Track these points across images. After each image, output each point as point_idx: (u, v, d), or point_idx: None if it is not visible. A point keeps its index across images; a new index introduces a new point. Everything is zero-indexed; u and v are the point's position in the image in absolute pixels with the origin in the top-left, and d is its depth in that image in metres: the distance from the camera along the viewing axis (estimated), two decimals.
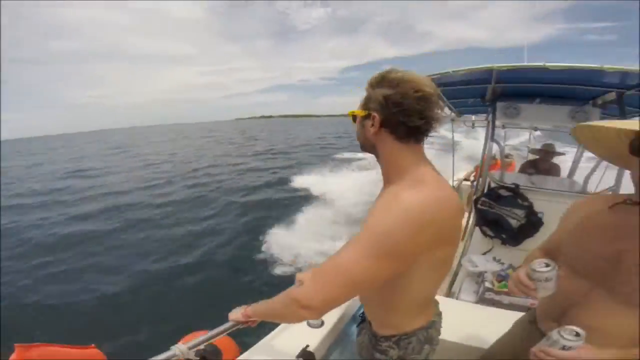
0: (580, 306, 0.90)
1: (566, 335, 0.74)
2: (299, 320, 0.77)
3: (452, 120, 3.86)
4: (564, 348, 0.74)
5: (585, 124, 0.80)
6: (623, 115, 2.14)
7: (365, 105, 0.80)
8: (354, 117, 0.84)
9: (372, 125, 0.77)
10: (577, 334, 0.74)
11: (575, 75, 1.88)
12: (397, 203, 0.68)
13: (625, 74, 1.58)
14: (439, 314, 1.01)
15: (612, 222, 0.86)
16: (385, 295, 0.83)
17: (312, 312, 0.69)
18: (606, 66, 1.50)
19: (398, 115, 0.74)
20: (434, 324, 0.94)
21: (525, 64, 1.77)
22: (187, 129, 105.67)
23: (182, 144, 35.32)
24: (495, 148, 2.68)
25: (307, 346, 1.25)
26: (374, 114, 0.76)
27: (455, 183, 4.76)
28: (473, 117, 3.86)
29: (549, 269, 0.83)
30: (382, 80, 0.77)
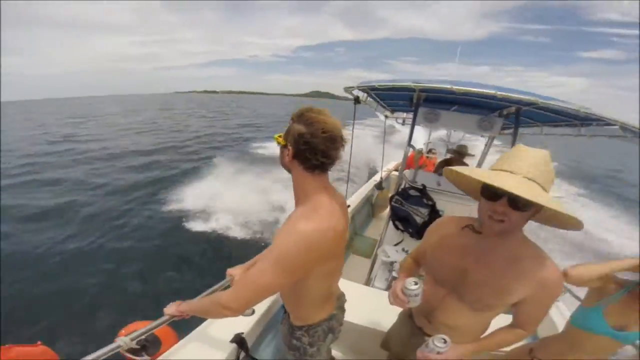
0: (439, 308, 1.11)
1: (437, 343, 0.99)
2: (223, 317, 0.97)
3: (386, 116, 4.06)
4: (438, 353, 0.98)
5: (452, 169, 0.94)
6: (517, 125, 2.46)
7: (285, 136, 0.95)
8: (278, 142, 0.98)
9: (287, 154, 0.93)
10: (445, 341, 0.99)
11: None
12: (294, 231, 0.88)
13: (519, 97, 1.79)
14: (340, 307, 1.26)
15: (461, 243, 1.03)
16: (293, 295, 1.08)
17: (232, 313, 0.93)
18: (499, 93, 1.68)
19: (306, 151, 0.90)
20: (335, 316, 1.20)
21: (438, 85, 1.90)
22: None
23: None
24: (422, 142, 2.89)
25: (242, 333, 1.40)
26: (289, 146, 0.92)
27: (384, 174, 5.07)
28: (404, 115, 4.21)
29: (416, 287, 1.00)
30: (300, 117, 0.92)
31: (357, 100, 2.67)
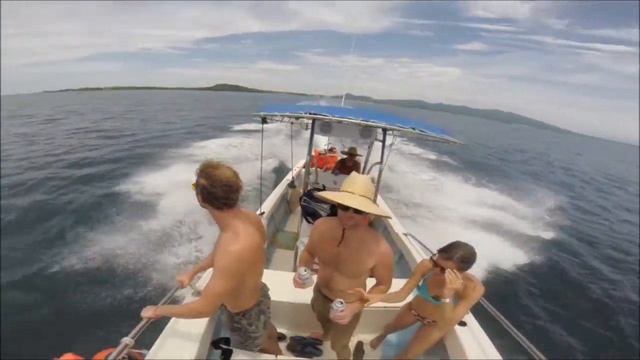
0: (331, 280, 1.72)
1: (337, 305, 1.48)
2: (195, 318, 1.43)
3: (291, 123, 4.59)
4: (341, 312, 1.48)
5: (319, 194, 1.53)
6: (384, 138, 3.21)
7: (196, 184, 1.30)
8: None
9: (199, 200, 1.32)
10: (341, 302, 1.49)
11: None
12: (228, 252, 1.29)
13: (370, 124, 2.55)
14: (265, 295, 1.76)
15: (332, 235, 1.62)
16: (232, 292, 1.41)
17: (206, 315, 1.36)
18: (362, 122, 2.40)
19: (210, 198, 1.28)
20: (262, 302, 1.69)
21: (321, 116, 2.55)
22: None
23: None
24: (323, 143, 3.49)
25: (226, 338, 1.79)
26: (198, 193, 1.30)
27: (295, 172, 5.68)
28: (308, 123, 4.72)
29: (306, 273, 1.57)
30: (202, 171, 1.28)
31: (264, 120, 3.17)
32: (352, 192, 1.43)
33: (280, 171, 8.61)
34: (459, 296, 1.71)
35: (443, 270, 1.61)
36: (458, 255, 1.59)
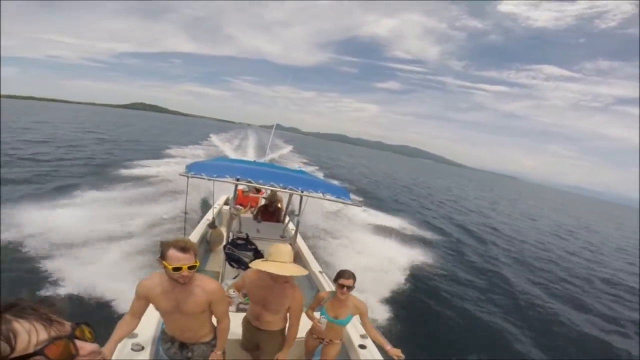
0: (260, 315, 2.20)
1: (322, 320, 2.34)
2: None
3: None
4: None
5: (254, 264, 2.09)
6: (301, 198, 3.81)
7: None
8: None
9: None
10: (325, 318, 2.34)
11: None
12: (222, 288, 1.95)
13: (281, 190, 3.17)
14: None
15: (261, 284, 2.14)
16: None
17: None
18: (283, 190, 3.05)
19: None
20: None
21: (245, 182, 3.17)
22: None
23: None
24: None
25: None
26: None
27: (216, 210, 5.81)
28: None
29: (235, 294, 2.16)
30: (164, 247, 1.70)
31: (189, 177, 3.40)
32: (283, 261, 2.02)
33: (201, 204, 8.55)
34: (353, 313, 2.38)
35: (342, 287, 2.27)
36: (351, 273, 2.31)
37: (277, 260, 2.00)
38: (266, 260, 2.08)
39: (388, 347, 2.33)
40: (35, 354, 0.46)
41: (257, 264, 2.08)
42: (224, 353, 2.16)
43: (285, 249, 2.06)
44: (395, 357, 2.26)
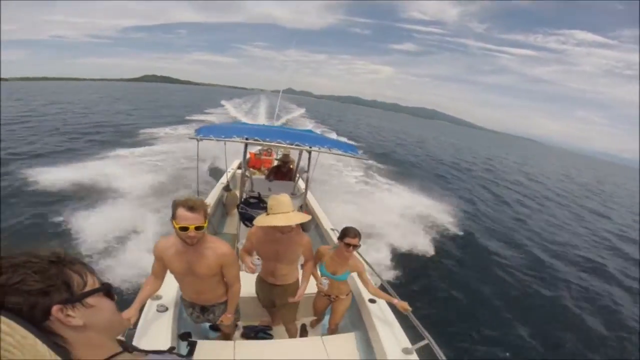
0: (274, 270, 2.20)
1: (324, 282, 2.32)
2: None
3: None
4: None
5: (257, 220, 2.04)
6: (310, 154, 3.74)
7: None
8: None
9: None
10: (326, 279, 2.32)
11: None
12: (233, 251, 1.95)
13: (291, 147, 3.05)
14: None
15: (270, 238, 2.11)
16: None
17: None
18: (289, 146, 2.94)
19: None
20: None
21: (253, 141, 3.01)
22: None
23: None
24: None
25: (189, 332, 2.07)
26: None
27: (230, 174, 5.87)
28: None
29: (258, 261, 2.05)
30: (174, 206, 1.65)
31: (198, 140, 3.35)
32: (284, 212, 1.97)
33: (215, 172, 8.62)
34: (351, 270, 2.36)
35: (348, 247, 2.21)
36: (356, 231, 2.24)
37: (279, 212, 1.97)
38: (268, 214, 2.04)
39: (395, 300, 2.33)
40: (100, 289, 0.59)
41: (260, 221, 2.04)
42: (238, 313, 2.21)
43: (284, 199, 2.01)
44: (402, 310, 2.26)
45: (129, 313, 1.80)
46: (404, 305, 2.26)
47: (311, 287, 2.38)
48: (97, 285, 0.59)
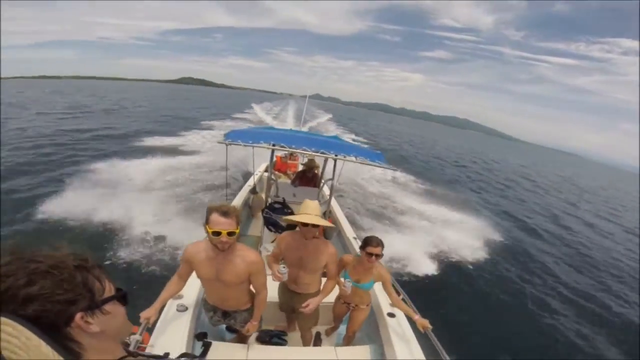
0: (297, 277, 2.23)
1: (347, 284, 2.27)
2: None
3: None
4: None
5: (286, 218, 2.24)
6: (335, 162, 3.69)
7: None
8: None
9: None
10: (350, 281, 2.27)
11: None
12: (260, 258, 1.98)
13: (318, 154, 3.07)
14: None
15: (296, 245, 2.16)
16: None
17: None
18: (315, 154, 2.96)
19: None
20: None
21: (279, 148, 3.14)
22: None
23: None
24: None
25: (205, 332, 2.16)
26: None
27: (257, 177, 5.99)
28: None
29: (284, 269, 2.08)
30: (208, 211, 1.72)
31: (227, 144, 3.46)
32: (310, 214, 2.05)
33: (242, 173, 8.98)
34: (376, 280, 2.32)
35: (370, 256, 2.17)
36: (379, 240, 2.21)
37: (304, 213, 2.08)
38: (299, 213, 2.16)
39: (416, 317, 2.25)
40: (116, 296, 0.61)
41: (288, 217, 2.25)
42: (260, 320, 2.23)
43: (313, 204, 2.12)
44: (421, 328, 2.17)
45: (149, 312, 1.86)
46: (424, 323, 2.17)
47: (330, 296, 2.36)
48: (112, 291, 0.61)
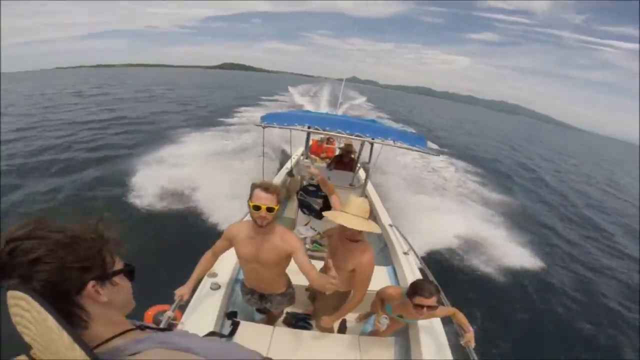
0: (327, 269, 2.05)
1: (383, 320, 2.04)
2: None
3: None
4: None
5: (326, 214, 2.00)
6: (372, 146, 3.66)
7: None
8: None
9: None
10: (386, 318, 2.04)
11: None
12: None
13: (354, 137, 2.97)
14: None
15: (334, 245, 2.12)
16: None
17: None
18: (350, 136, 2.90)
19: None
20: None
21: (317, 131, 3.05)
22: None
23: None
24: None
25: (235, 311, 2.21)
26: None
27: (294, 160, 6.03)
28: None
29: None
30: (252, 188, 1.76)
31: (263, 127, 3.46)
32: (354, 214, 1.89)
33: (281, 154, 9.12)
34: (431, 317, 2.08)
35: (420, 308, 1.80)
36: (432, 289, 1.81)
37: (348, 213, 1.89)
38: (341, 211, 1.96)
39: (467, 332, 1.93)
40: (126, 269, 0.65)
41: (329, 214, 1.97)
42: (293, 299, 2.26)
43: (360, 202, 1.92)
44: (464, 342, 1.89)
45: (183, 290, 1.92)
46: (470, 338, 1.88)
47: (376, 284, 2.20)
48: (120, 265, 0.64)
